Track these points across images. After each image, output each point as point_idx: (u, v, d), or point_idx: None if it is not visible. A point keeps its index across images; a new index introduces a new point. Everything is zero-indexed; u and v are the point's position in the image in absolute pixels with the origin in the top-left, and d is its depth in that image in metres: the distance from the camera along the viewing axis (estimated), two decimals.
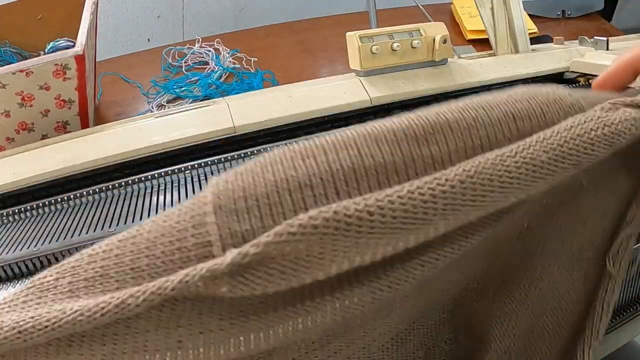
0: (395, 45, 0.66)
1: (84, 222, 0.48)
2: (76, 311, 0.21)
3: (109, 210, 0.50)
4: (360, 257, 0.23)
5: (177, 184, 0.54)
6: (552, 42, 0.84)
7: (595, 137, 0.27)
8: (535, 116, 0.28)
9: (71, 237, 0.46)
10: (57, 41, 0.79)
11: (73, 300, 0.23)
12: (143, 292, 0.21)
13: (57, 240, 0.45)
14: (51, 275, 0.23)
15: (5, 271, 0.44)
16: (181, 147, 0.59)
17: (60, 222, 0.49)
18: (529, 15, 1.08)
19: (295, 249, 0.22)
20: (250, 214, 0.23)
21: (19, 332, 0.21)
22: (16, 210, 0.53)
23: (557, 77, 0.74)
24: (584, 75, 0.71)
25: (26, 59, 0.80)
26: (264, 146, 0.59)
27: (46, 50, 0.80)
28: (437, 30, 0.68)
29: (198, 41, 1.03)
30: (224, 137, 0.60)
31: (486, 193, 0.24)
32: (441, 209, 0.23)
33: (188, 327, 0.23)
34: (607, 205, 0.35)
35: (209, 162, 0.57)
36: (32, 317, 0.22)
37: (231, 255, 0.21)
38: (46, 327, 0.21)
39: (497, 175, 0.24)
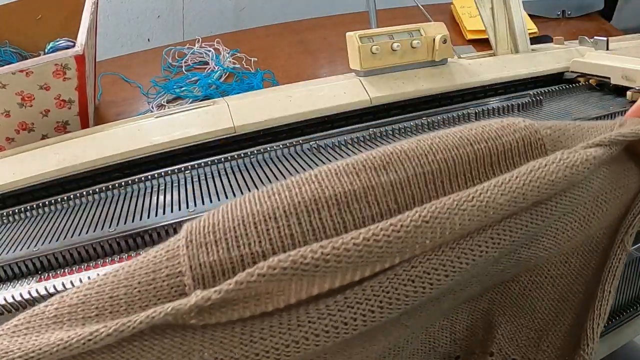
0: (395, 45, 0.66)
1: (84, 222, 0.48)
2: (53, 343, 0.23)
3: (109, 210, 0.50)
4: (318, 289, 0.25)
5: (177, 184, 0.54)
6: (552, 42, 0.84)
7: (555, 178, 0.28)
8: (491, 139, 0.30)
9: (71, 237, 0.46)
10: (57, 41, 0.79)
11: (57, 327, 0.25)
12: (116, 329, 0.23)
13: (57, 240, 0.45)
14: (43, 305, 0.26)
15: (5, 271, 0.44)
16: (181, 147, 0.59)
17: (60, 222, 0.49)
18: (529, 15, 1.08)
19: (256, 291, 0.24)
20: (218, 246, 0.25)
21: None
22: (16, 210, 0.53)
23: (557, 77, 0.74)
24: (584, 75, 0.72)
25: (26, 59, 0.80)
26: (264, 146, 0.59)
27: (46, 50, 0.80)
28: (437, 30, 0.69)
29: (198, 41, 1.03)
30: (224, 137, 0.60)
31: (442, 234, 0.26)
32: (396, 250, 0.25)
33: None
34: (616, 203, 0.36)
35: (209, 162, 0.57)
36: (19, 348, 0.24)
37: (195, 298, 0.23)
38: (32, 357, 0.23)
39: (453, 219, 0.26)
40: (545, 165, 0.29)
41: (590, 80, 0.71)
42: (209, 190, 0.51)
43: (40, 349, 0.23)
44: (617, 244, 0.37)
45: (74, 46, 0.64)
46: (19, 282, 0.43)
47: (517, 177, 0.28)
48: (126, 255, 0.45)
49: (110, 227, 0.46)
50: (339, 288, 0.26)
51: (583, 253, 0.38)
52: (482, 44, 1.00)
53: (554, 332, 0.39)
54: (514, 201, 0.27)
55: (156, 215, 0.48)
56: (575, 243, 0.36)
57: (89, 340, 0.23)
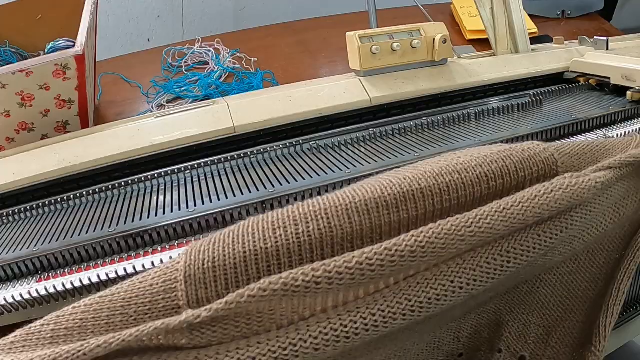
0: (395, 45, 0.66)
1: (84, 222, 0.48)
2: (44, 355, 0.23)
3: (109, 210, 0.50)
4: (310, 311, 0.25)
5: (177, 184, 0.54)
6: (552, 42, 0.84)
7: (558, 204, 0.28)
8: (508, 174, 0.30)
9: (71, 237, 0.46)
10: (57, 41, 0.79)
11: (53, 347, 0.25)
12: (106, 341, 0.23)
13: (57, 240, 0.45)
14: (39, 323, 0.26)
15: (5, 271, 0.44)
16: (181, 147, 0.59)
17: (60, 222, 0.49)
18: (529, 15, 1.08)
19: (246, 310, 0.24)
20: (218, 283, 0.25)
21: None
22: (16, 210, 0.53)
23: (557, 77, 0.74)
24: (584, 75, 0.72)
25: (26, 59, 0.80)
26: (264, 146, 0.59)
27: (46, 50, 0.80)
28: (437, 30, 0.69)
29: (198, 41, 1.03)
30: (224, 137, 0.60)
31: (436, 256, 0.26)
32: (389, 272, 0.25)
33: None
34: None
35: (209, 162, 0.57)
36: None
37: (186, 315, 0.23)
38: None
39: (450, 243, 0.26)
40: (551, 191, 0.28)
41: (590, 80, 0.71)
42: (209, 190, 0.51)
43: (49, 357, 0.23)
44: (634, 247, 0.37)
45: (74, 46, 0.64)
46: (19, 282, 0.43)
47: (519, 204, 0.28)
48: (126, 255, 0.45)
49: (110, 227, 0.46)
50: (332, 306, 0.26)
51: (593, 251, 0.38)
52: (482, 44, 1.00)
53: (563, 328, 0.39)
54: (512, 226, 0.27)
55: (156, 215, 0.48)
56: (587, 244, 0.36)
57: (79, 351, 0.23)
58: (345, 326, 0.26)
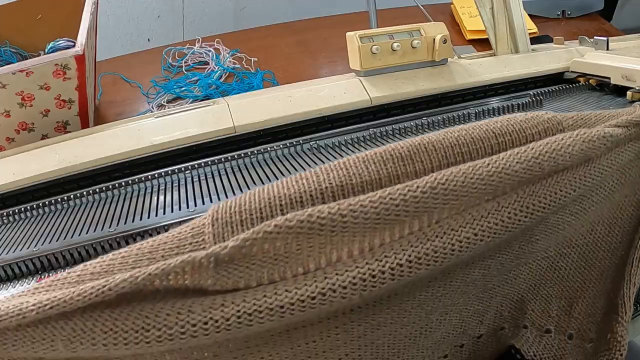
0: (395, 45, 0.66)
1: (84, 222, 0.48)
2: (68, 293, 0.23)
3: (109, 210, 0.50)
4: (337, 253, 0.25)
5: (177, 184, 0.54)
6: (552, 42, 0.84)
7: (572, 150, 0.29)
8: (515, 131, 0.31)
9: (71, 237, 0.46)
10: (57, 41, 0.79)
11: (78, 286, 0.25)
12: (132, 275, 0.23)
13: (57, 240, 0.45)
14: (65, 272, 0.26)
15: (5, 271, 0.44)
16: (181, 147, 0.59)
17: (60, 222, 0.49)
18: (529, 15, 1.08)
19: (273, 245, 0.24)
20: (244, 225, 0.26)
21: (20, 310, 0.24)
22: (16, 210, 0.53)
23: (557, 77, 0.74)
24: (584, 75, 0.71)
25: (26, 59, 0.80)
26: (264, 146, 0.59)
27: (46, 50, 0.79)
28: (437, 30, 0.68)
29: (198, 41, 1.03)
30: (224, 137, 0.60)
31: (457, 196, 0.26)
32: (413, 211, 0.26)
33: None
34: None
35: (209, 162, 0.57)
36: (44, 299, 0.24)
37: (213, 248, 0.24)
38: (45, 305, 0.23)
39: (469, 182, 0.27)
40: (562, 139, 0.30)
41: (590, 80, 0.71)
42: (209, 190, 0.51)
43: (55, 298, 0.23)
44: None
45: (74, 46, 0.64)
46: (19, 282, 0.43)
47: (532, 148, 0.29)
48: None
49: (110, 227, 0.46)
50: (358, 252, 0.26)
51: (608, 220, 0.38)
52: (482, 44, 1.00)
53: (583, 299, 0.40)
54: (529, 169, 0.28)
55: (156, 215, 0.48)
56: (600, 211, 0.37)
57: (104, 286, 0.23)
58: (373, 271, 0.26)
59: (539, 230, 0.34)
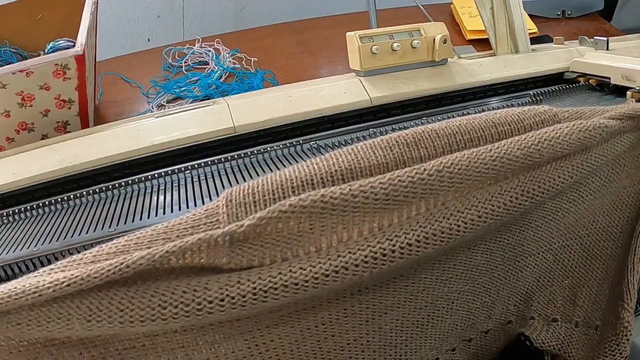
0: (395, 45, 0.66)
1: (84, 222, 0.48)
2: (85, 271, 0.24)
3: (109, 210, 0.50)
4: (347, 233, 0.27)
5: (177, 184, 0.54)
6: (552, 42, 0.84)
7: (569, 139, 0.31)
8: (514, 122, 0.33)
9: (71, 237, 0.46)
10: (57, 41, 0.79)
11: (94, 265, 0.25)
12: (150, 253, 0.24)
13: (57, 240, 0.45)
14: (80, 254, 0.27)
15: (5, 271, 0.44)
16: (181, 147, 0.59)
17: (60, 222, 0.49)
18: (529, 15, 1.08)
19: (287, 224, 0.25)
20: (257, 206, 0.27)
21: (37, 288, 0.24)
22: (16, 210, 0.53)
23: (557, 77, 0.74)
24: (584, 75, 0.71)
25: (26, 59, 0.80)
26: (264, 146, 0.59)
27: (46, 50, 0.80)
28: (437, 30, 0.68)
29: (198, 41, 1.03)
30: (224, 137, 0.60)
31: (462, 179, 0.28)
32: (420, 192, 0.27)
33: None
34: None
35: (209, 162, 0.57)
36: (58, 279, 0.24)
37: (229, 226, 0.24)
38: (62, 283, 0.24)
39: (474, 166, 0.28)
40: (560, 128, 0.31)
41: (590, 80, 0.71)
42: (209, 190, 0.51)
43: (72, 276, 0.24)
44: None
45: (74, 46, 0.64)
46: None
47: (532, 136, 0.30)
48: None
49: (110, 227, 0.46)
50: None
51: (609, 212, 0.40)
52: (482, 44, 1.00)
53: (587, 288, 0.42)
54: (529, 155, 0.30)
55: (156, 215, 0.48)
56: (600, 201, 0.39)
57: (122, 263, 0.23)
58: (384, 250, 0.27)
59: (538, 215, 0.36)
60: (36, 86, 0.63)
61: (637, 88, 0.62)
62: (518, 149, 0.29)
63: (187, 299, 0.25)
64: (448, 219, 0.28)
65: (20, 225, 0.50)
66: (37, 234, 0.48)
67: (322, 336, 0.31)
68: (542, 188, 0.31)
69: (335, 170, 0.28)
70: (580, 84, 0.71)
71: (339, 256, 0.26)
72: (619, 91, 0.66)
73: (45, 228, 0.49)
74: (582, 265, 0.41)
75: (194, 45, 1.01)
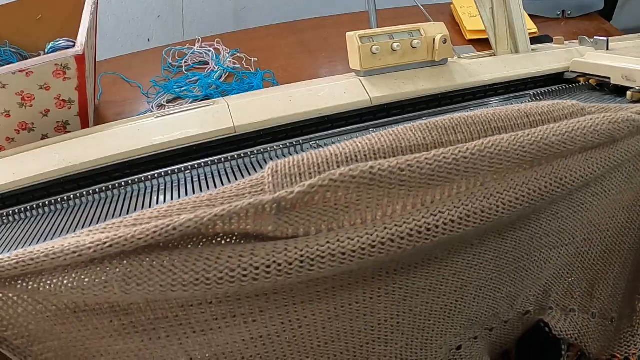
0: (395, 45, 0.66)
1: (84, 222, 0.48)
2: (129, 232, 0.24)
3: (109, 210, 0.50)
4: (392, 207, 0.27)
5: (177, 184, 0.54)
6: (552, 42, 0.84)
7: (600, 129, 0.32)
8: (544, 113, 0.34)
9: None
10: (57, 41, 0.79)
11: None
12: (197, 215, 0.24)
13: None
14: (121, 218, 0.27)
15: None
16: (181, 147, 0.59)
17: (60, 222, 0.49)
18: (529, 15, 1.08)
19: (335, 194, 0.26)
20: (303, 178, 0.27)
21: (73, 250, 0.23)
22: (16, 210, 0.53)
23: (557, 77, 0.74)
24: (584, 75, 0.71)
25: (26, 59, 0.80)
26: (264, 146, 0.59)
27: (46, 50, 0.80)
28: (437, 30, 0.68)
29: (198, 41, 1.03)
30: (224, 137, 0.60)
31: (502, 161, 0.29)
32: (463, 170, 0.28)
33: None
34: None
35: (209, 162, 0.57)
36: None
37: (279, 192, 0.25)
38: (104, 243, 0.24)
39: (513, 148, 0.29)
40: (592, 119, 0.33)
41: (590, 80, 0.71)
42: (209, 190, 0.51)
43: (115, 236, 0.23)
44: None
45: (74, 46, 0.64)
46: None
47: (566, 124, 0.32)
48: None
49: None
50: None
51: (629, 208, 0.41)
52: (482, 44, 1.00)
53: (605, 281, 0.43)
54: (563, 142, 0.31)
55: None
56: (621, 197, 0.40)
57: (168, 225, 0.23)
58: (429, 225, 0.28)
59: (565, 206, 0.37)
60: (36, 86, 0.63)
61: (637, 88, 0.62)
62: (554, 135, 0.31)
63: (233, 264, 0.24)
64: (488, 199, 0.29)
65: (20, 225, 0.50)
66: (37, 234, 0.48)
67: (355, 315, 0.31)
68: (574, 177, 0.32)
69: (378, 149, 0.29)
70: (580, 84, 0.71)
71: (385, 228, 0.27)
72: (619, 91, 0.66)
73: (45, 228, 0.49)
74: (601, 258, 0.42)
75: (194, 45, 1.01)
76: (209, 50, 1.00)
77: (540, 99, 0.66)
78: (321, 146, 0.59)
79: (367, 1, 0.94)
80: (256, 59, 0.98)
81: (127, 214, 0.48)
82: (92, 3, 0.74)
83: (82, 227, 0.47)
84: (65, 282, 0.24)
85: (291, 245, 0.25)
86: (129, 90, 0.93)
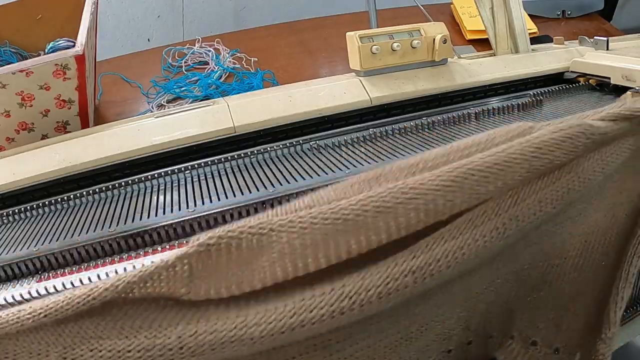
0: (395, 45, 0.66)
1: (84, 222, 0.48)
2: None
3: (109, 210, 0.50)
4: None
5: (177, 184, 0.54)
6: (552, 42, 0.84)
7: (551, 138, 0.29)
8: (482, 142, 0.31)
9: (71, 237, 0.46)
10: (57, 41, 0.79)
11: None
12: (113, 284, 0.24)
13: (57, 240, 0.45)
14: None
15: (5, 271, 0.44)
16: (181, 147, 0.59)
17: (60, 222, 0.49)
18: (529, 15, 1.08)
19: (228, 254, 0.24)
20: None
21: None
22: (16, 210, 0.53)
23: (557, 77, 0.74)
24: (584, 75, 0.71)
25: (26, 59, 0.80)
26: (264, 146, 0.59)
27: (46, 50, 0.80)
28: (437, 30, 0.68)
29: (198, 41, 1.03)
30: (224, 137, 0.60)
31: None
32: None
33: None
34: None
35: (209, 162, 0.57)
36: None
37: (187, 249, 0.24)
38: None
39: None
40: (541, 128, 0.30)
41: (590, 80, 0.71)
42: (208, 190, 0.51)
43: (49, 305, 0.23)
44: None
45: (74, 46, 0.64)
46: (19, 282, 0.43)
47: (501, 149, 0.29)
48: (126, 255, 0.45)
49: (110, 227, 0.46)
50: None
51: (602, 230, 0.38)
52: (482, 44, 1.00)
53: (573, 313, 0.40)
54: (495, 173, 0.28)
55: (156, 215, 0.48)
56: (594, 218, 0.37)
57: (89, 295, 0.23)
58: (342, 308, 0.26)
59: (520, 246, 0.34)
60: (36, 86, 0.63)
61: (637, 88, 0.62)
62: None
63: (147, 344, 0.24)
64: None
65: (20, 225, 0.50)
66: (37, 234, 0.48)
67: None
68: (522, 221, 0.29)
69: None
70: (580, 84, 0.71)
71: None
72: (619, 91, 0.66)
73: (45, 228, 0.49)
74: (568, 286, 0.39)
75: (194, 45, 1.01)
76: (209, 50, 1.00)
77: (540, 99, 0.66)
78: (321, 146, 0.59)
79: (367, 1, 0.94)
80: (256, 59, 0.98)
81: (127, 214, 0.49)
82: (92, 3, 0.74)
83: (82, 227, 0.47)
84: (12, 348, 0.24)
85: (201, 329, 0.24)
86: (129, 90, 0.93)
